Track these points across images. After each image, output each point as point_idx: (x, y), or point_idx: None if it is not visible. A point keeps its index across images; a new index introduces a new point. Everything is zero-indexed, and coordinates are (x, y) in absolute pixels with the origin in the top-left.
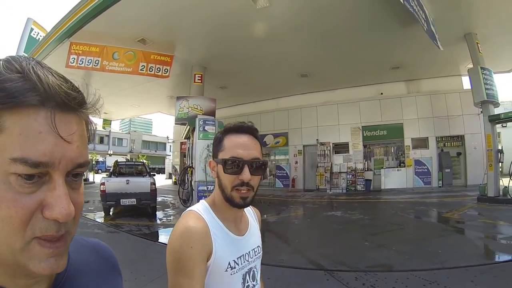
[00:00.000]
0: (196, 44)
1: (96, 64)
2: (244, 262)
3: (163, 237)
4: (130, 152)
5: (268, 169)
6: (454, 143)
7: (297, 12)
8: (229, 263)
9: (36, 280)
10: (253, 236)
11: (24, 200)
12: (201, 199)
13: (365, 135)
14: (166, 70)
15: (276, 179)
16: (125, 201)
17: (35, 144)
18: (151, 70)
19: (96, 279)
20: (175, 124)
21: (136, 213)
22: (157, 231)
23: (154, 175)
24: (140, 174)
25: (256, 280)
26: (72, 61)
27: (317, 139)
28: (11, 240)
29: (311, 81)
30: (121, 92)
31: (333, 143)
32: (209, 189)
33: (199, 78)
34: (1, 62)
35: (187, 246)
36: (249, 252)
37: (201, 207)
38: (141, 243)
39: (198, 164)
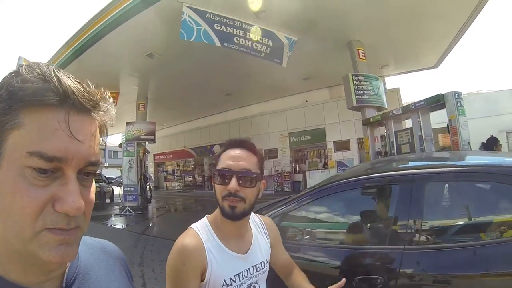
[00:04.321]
0: (133, 84)
1: None
2: (243, 278)
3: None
4: None
5: (261, 182)
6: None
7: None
8: (225, 281)
9: (48, 277)
10: (256, 252)
11: (37, 192)
12: (126, 197)
13: (291, 140)
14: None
15: None
16: None
17: (51, 141)
18: None
19: (105, 276)
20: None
21: None
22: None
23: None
24: (97, 181)
25: None
26: None
27: None
28: (21, 229)
29: (238, 97)
30: None
31: (265, 150)
32: (129, 189)
33: (142, 106)
34: (23, 66)
35: (181, 263)
36: (249, 268)
37: (200, 225)
38: None
39: (124, 174)
